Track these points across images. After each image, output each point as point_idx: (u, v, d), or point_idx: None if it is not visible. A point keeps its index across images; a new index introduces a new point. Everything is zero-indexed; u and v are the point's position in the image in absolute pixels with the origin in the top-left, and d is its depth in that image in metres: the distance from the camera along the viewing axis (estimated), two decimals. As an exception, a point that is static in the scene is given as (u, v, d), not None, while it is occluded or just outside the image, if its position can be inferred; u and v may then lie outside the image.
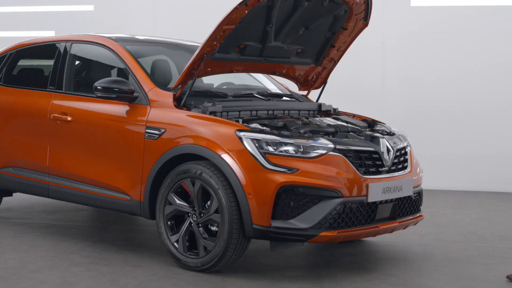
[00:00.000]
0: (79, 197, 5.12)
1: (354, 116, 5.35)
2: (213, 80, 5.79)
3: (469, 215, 6.92)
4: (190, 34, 9.07)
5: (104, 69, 5.52)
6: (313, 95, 5.82)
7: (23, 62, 6.06)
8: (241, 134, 4.23)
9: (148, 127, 4.64)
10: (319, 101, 5.57)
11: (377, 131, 4.90)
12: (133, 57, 5.06)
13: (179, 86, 4.70)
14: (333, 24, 5.09)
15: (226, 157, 4.20)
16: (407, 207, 4.66)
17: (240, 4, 4.40)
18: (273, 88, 5.73)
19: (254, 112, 4.84)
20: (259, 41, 4.88)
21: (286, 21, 4.80)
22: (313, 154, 4.19)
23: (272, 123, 4.55)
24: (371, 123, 5.16)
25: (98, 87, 4.74)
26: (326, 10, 4.91)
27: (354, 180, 4.21)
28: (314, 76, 5.60)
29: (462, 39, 8.72)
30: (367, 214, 4.30)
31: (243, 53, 4.92)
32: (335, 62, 5.47)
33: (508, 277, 4.42)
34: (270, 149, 4.17)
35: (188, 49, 5.85)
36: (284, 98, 5.48)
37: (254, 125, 4.42)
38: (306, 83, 5.67)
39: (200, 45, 4.63)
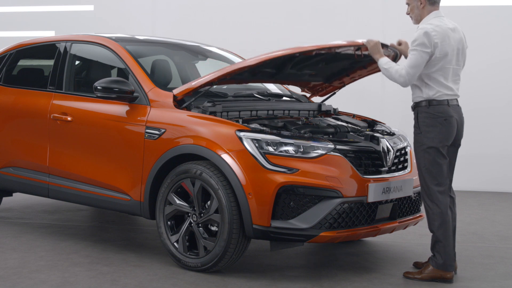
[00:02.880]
0: (79, 197, 5.12)
1: (354, 116, 5.35)
2: (213, 80, 5.79)
3: (469, 215, 6.92)
4: (190, 34, 9.10)
5: (104, 69, 5.52)
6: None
7: (23, 62, 6.07)
8: (241, 134, 4.23)
9: (148, 127, 4.64)
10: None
11: (377, 131, 4.90)
12: (133, 57, 5.06)
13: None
14: (354, 62, 5.11)
15: (226, 157, 4.20)
16: (407, 207, 4.66)
17: (272, 53, 4.47)
18: (273, 88, 5.73)
19: (254, 112, 4.84)
20: (275, 69, 4.91)
21: (309, 59, 4.83)
22: (313, 154, 4.19)
23: (272, 123, 4.55)
24: (371, 123, 5.16)
25: (98, 87, 4.74)
26: (353, 56, 4.92)
27: (354, 180, 4.21)
28: (320, 88, 5.62)
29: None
30: (367, 214, 4.30)
31: (256, 75, 4.96)
32: (344, 84, 5.49)
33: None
34: (270, 149, 4.17)
35: (188, 49, 5.86)
36: (284, 98, 5.49)
37: (254, 125, 4.42)
38: (311, 90, 5.68)
39: (219, 70, 4.61)
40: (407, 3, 4.44)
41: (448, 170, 4.33)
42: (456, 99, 4.34)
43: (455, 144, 4.40)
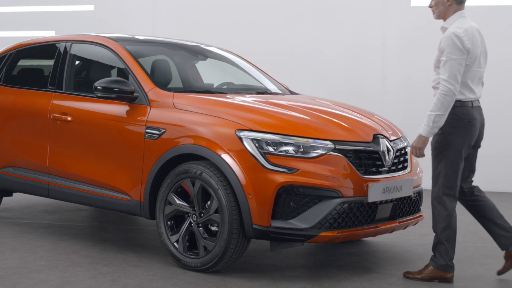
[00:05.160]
0: (79, 197, 5.12)
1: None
2: (213, 80, 5.79)
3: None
4: (190, 34, 9.11)
5: (104, 69, 5.52)
6: (315, 93, 5.81)
7: (23, 62, 6.07)
8: (241, 134, 4.23)
9: (148, 127, 4.64)
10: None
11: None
12: (133, 57, 5.06)
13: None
14: None
15: (226, 157, 4.20)
16: (407, 207, 4.66)
17: None
18: (273, 88, 5.73)
19: None
20: None
21: None
22: (313, 154, 4.19)
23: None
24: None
25: (98, 87, 4.74)
26: None
27: (354, 180, 4.21)
28: None
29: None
30: (367, 214, 4.30)
31: None
32: None
33: (499, 272, 4.47)
34: (270, 149, 4.17)
35: (188, 49, 5.86)
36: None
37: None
38: None
39: None
40: None
41: (461, 175, 4.27)
42: (478, 101, 4.27)
43: (475, 146, 4.35)
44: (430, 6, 4.34)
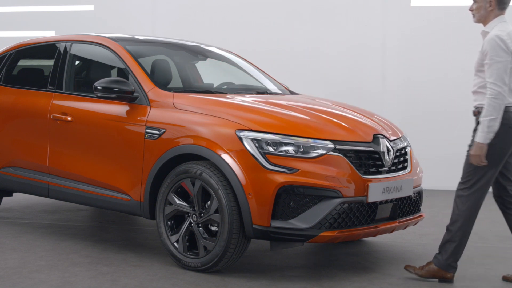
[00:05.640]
0: (79, 197, 5.12)
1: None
2: (213, 80, 5.79)
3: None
4: (190, 34, 9.11)
5: (104, 69, 5.52)
6: (315, 93, 5.81)
7: (23, 62, 6.07)
8: (241, 134, 4.23)
9: (148, 127, 4.64)
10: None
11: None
12: (133, 57, 5.06)
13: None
14: None
15: (226, 157, 4.20)
16: (407, 207, 4.66)
17: None
18: (273, 88, 5.73)
19: None
20: None
21: None
22: (313, 154, 4.19)
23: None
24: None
25: (98, 87, 4.74)
26: None
27: (354, 180, 4.21)
28: None
29: (462, 39, 8.73)
30: (367, 214, 4.30)
31: None
32: None
33: (504, 277, 4.45)
34: (270, 149, 4.17)
35: (188, 49, 5.86)
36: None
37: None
38: None
39: None
40: (475, 0, 4.24)
41: (493, 179, 4.21)
42: None
43: None
44: (471, 10, 4.28)
